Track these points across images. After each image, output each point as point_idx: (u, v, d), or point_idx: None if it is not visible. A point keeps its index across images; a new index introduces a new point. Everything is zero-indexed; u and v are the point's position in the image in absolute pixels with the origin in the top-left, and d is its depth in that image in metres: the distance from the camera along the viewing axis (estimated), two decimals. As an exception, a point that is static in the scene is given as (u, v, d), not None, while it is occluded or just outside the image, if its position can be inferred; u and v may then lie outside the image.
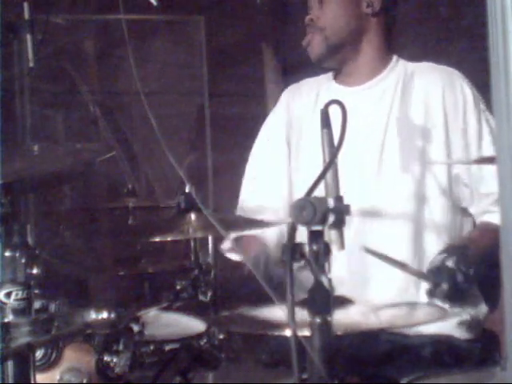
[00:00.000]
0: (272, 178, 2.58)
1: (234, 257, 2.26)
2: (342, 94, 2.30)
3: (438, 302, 2.04)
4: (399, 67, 2.50)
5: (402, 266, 2.13)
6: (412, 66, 2.51)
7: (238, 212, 2.59)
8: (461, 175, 2.40)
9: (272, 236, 2.48)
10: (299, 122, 2.56)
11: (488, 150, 2.37)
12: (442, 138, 2.40)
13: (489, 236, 2.26)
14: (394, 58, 2.52)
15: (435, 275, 2.08)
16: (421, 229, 2.38)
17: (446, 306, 2.01)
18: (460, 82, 2.45)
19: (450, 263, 2.08)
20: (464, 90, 2.43)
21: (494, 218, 2.31)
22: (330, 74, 2.60)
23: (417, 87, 2.45)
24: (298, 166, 2.55)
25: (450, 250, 2.16)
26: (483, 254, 2.20)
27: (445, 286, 2.04)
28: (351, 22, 2.47)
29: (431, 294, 2.07)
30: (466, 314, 2.39)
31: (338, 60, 2.50)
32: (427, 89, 2.44)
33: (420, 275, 2.20)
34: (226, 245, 2.24)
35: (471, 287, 2.12)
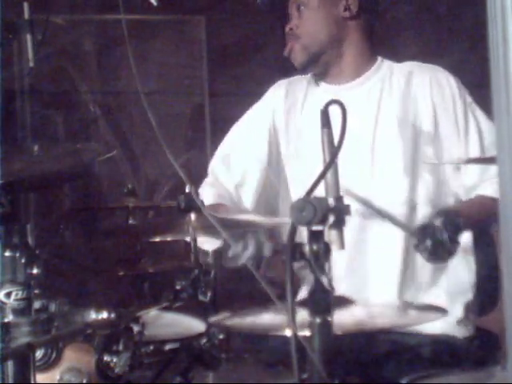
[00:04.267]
0: (246, 161, 2.58)
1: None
2: (329, 93, 2.39)
3: (423, 257, 2.18)
4: (384, 67, 2.51)
5: (387, 215, 2.28)
6: (397, 66, 2.52)
7: (205, 185, 2.57)
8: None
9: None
10: (285, 118, 2.57)
11: (474, 146, 2.39)
12: (432, 136, 2.40)
13: (480, 206, 2.34)
14: (379, 59, 2.53)
15: (421, 231, 2.18)
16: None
17: (429, 260, 2.18)
18: (445, 76, 2.46)
19: (437, 222, 2.17)
20: (450, 82, 2.44)
21: (487, 190, 2.34)
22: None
23: (404, 86, 2.46)
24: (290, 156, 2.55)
25: (439, 212, 2.23)
26: (474, 222, 2.30)
27: (428, 243, 2.15)
28: (329, 27, 2.48)
29: (416, 248, 2.19)
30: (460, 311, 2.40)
31: (320, 65, 2.52)
32: (415, 87, 2.45)
33: (406, 229, 2.30)
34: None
35: (456, 248, 2.18)
